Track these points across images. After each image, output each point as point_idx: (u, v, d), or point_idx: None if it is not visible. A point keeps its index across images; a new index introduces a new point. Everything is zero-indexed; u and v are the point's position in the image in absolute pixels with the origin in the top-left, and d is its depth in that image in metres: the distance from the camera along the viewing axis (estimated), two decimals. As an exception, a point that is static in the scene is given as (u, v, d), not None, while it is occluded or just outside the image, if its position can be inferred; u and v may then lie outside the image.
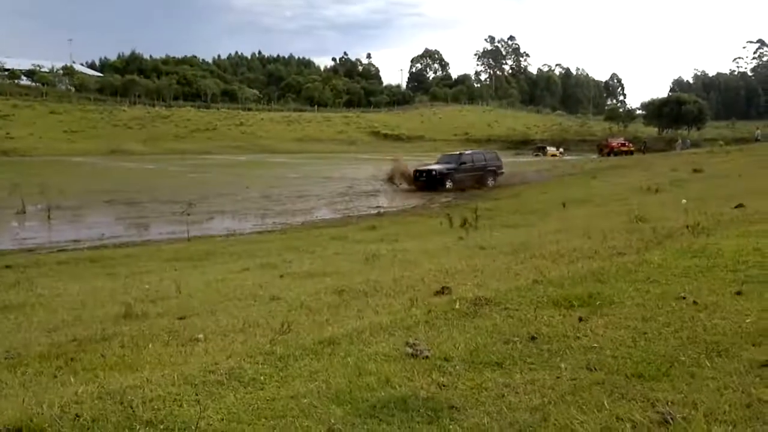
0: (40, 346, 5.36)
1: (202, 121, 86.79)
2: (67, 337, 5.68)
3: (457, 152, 34.21)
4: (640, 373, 3.68)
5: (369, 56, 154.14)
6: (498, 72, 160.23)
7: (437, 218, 17.07)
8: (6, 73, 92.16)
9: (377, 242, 13.00)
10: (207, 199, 25.65)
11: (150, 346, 5.20)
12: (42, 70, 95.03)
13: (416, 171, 30.66)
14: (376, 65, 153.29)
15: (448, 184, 29.75)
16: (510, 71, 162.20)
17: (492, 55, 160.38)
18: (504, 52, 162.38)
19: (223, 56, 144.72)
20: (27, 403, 3.19)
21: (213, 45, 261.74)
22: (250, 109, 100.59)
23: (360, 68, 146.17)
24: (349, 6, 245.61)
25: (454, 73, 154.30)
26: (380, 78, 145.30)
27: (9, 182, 29.70)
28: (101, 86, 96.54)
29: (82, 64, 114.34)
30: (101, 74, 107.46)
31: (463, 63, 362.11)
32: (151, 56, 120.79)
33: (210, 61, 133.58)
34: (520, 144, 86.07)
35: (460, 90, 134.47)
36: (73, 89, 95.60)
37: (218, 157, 64.87)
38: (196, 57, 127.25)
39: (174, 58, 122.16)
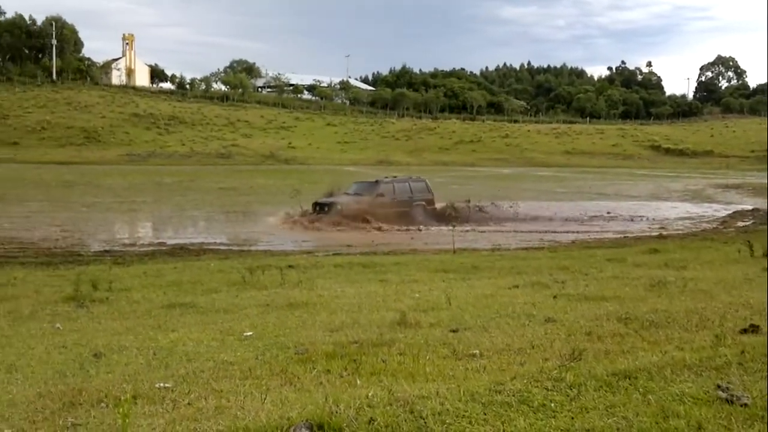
0: (325, 345, 5.79)
1: (467, 133, 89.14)
2: (348, 338, 6.08)
3: (374, 180, 26.26)
4: None
5: (649, 64, 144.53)
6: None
7: (733, 244, 15.43)
8: (291, 88, 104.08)
9: (661, 267, 12.11)
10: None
11: (428, 356, 5.34)
12: (321, 84, 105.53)
13: (315, 204, 23.88)
14: (658, 74, 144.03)
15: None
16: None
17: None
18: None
19: (491, 68, 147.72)
20: (325, 401, 3.41)
21: (481, 57, 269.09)
22: (516, 121, 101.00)
23: (639, 77, 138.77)
24: (626, 12, 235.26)
25: (753, 81, 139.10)
26: (662, 87, 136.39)
27: (291, 188, 33.32)
28: (373, 99, 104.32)
29: (356, 79, 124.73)
30: (373, 88, 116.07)
31: (763, 70, 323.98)
32: (420, 70, 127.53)
33: (477, 73, 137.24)
34: (838, 162, 74.68)
35: (760, 100, 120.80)
36: (347, 102, 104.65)
37: (482, 169, 66.16)
38: (464, 70, 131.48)
39: (442, 71, 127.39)
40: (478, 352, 5.55)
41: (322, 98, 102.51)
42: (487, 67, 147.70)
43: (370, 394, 3.60)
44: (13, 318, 7.69)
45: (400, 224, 22.56)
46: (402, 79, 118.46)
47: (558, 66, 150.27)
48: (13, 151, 63.39)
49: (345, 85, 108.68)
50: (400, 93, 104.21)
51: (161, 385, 4.58)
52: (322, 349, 5.59)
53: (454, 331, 6.46)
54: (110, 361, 5.47)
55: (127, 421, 2.93)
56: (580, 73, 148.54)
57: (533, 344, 5.78)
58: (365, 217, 22.42)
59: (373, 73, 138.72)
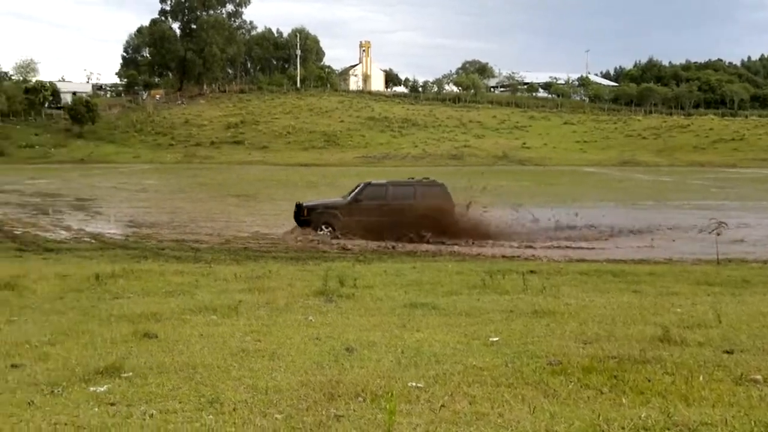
0: (580, 357, 5.55)
1: (727, 131, 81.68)
2: (604, 352, 5.78)
3: (361, 183, 21.49)
4: None
5: None
6: None
7: None
8: (525, 86, 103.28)
9: None
10: (734, 218, 23.86)
11: (700, 378, 4.90)
12: (558, 82, 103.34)
13: (297, 204, 20.74)
14: None
15: (322, 230, 19.32)
16: None
17: None
18: None
19: (754, 57, 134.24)
20: (597, 418, 3.23)
21: (742, 46, 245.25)
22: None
23: None
24: None
25: None
26: None
27: (526, 190, 32.96)
28: (615, 96, 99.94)
29: (596, 75, 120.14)
30: (616, 84, 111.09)
31: None
32: (670, 63, 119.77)
33: (738, 63, 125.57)
34: None
35: None
36: (587, 100, 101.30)
37: (746, 170, 60.24)
38: (721, 60, 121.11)
39: (695, 63, 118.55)
40: (761, 377, 5.00)
41: (558, 96, 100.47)
42: (749, 57, 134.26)
43: (643, 416, 3.35)
44: (270, 309, 8.39)
45: (376, 239, 18.69)
46: (648, 72, 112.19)
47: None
48: (263, 154, 70.37)
49: (584, 82, 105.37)
50: (646, 88, 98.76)
51: (413, 384, 4.68)
52: (577, 361, 5.38)
53: (728, 353, 5.89)
54: (362, 356, 5.72)
55: (393, 417, 3.00)
56: None
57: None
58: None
59: (615, 68, 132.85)
